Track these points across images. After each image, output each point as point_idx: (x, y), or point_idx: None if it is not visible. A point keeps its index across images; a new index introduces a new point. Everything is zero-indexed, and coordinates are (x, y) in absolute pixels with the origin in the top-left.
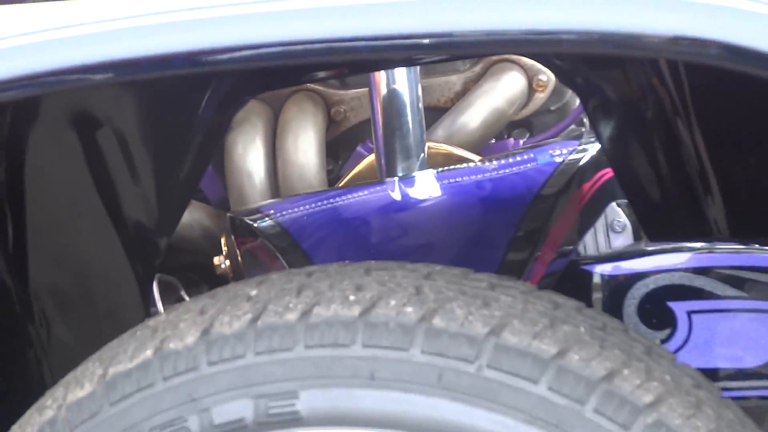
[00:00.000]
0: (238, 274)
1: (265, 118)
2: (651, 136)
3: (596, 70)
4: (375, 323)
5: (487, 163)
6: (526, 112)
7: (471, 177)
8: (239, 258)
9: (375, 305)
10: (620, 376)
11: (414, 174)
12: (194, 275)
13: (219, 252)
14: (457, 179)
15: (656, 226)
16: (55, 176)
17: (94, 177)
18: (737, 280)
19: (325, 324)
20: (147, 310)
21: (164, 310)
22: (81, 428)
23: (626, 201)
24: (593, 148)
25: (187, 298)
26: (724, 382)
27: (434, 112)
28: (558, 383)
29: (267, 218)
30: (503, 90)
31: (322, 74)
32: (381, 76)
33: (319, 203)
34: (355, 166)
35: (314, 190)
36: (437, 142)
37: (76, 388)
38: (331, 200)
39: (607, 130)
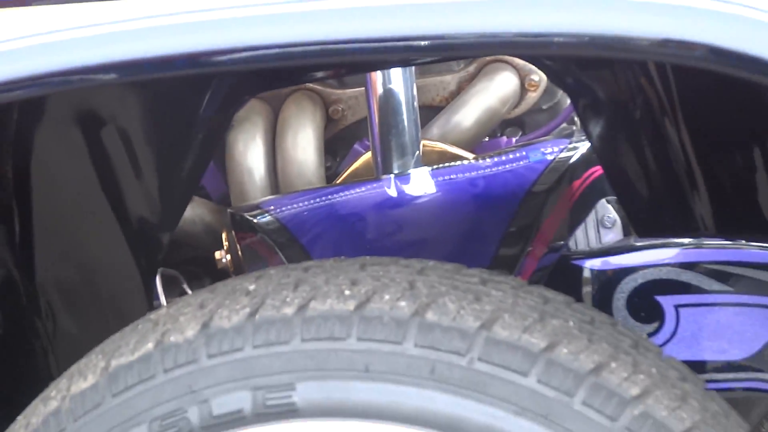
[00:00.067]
0: (238, 268)
1: (265, 117)
2: (639, 135)
3: (586, 70)
4: (369, 317)
5: (480, 161)
6: (518, 111)
7: (465, 174)
8: (240, 252)
9: (369, 300)
10: (608, 369)
11: (409, 171)
12: (196, 269)
13: (220, 246)
14: (452, 176)
15: (645, 222)
16: (60, 173)
17: (98, 174)
18: (723, 275)
19: (321, 318)
20: (150, 302)
21: (167, 302)
22: (84, 419)
23: (616, 198)
24: (583, 146)
25: (189, 291)
26: (710, 374)
27: (429, 111)
28: (547, 376)
29: (266, 214)
30: (496, 89)
31: (320, 74)
32: (377, 76)
33: (317, 199)
34: (353, 163)
35: (313, 186)
36: (432, 140)
37: (80, 380)
38: (328, 197)
39: (596, 128)
